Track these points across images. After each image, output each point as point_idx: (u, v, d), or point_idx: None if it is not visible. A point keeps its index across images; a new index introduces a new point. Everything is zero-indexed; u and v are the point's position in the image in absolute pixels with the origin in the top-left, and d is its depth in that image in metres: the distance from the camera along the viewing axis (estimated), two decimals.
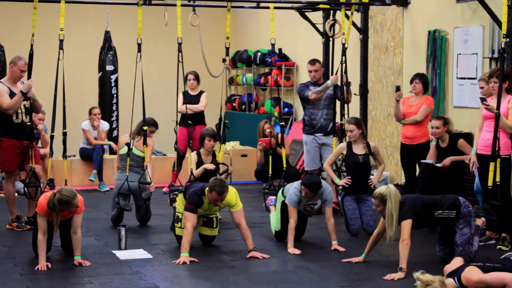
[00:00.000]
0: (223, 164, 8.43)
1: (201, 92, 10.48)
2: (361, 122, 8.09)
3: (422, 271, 5.17)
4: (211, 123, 10.59)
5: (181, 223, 7.03)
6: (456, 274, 5.24)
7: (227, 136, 13.04)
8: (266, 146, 9.93)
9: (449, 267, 5.44)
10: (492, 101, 7.16)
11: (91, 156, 10.84)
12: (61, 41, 7.82)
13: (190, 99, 10.11)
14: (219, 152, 8.54)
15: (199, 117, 10.27)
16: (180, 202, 7.11)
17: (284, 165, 8.90)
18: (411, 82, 8.60)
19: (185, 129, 9.63)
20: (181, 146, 9.69)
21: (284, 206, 7.30)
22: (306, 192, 7.05)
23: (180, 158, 9.91)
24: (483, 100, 7.16)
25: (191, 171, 8.06)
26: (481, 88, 7.51)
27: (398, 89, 8.42)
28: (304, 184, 7.04)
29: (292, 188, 7.14)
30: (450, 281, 5.19)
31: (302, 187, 7.05)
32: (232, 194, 6.80)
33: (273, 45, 8.58)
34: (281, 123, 9.05)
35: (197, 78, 10.47)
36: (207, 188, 6.70)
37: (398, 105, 8.49)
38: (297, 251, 6.90)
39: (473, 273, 5.15)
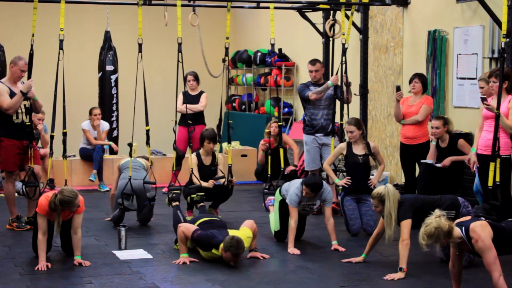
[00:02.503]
0: (222, 176, 8.34)
1: (201, 93, 10.48)
2: (361, 122, 8.08)
3: (443, 214, 5.11)
4: (212, 123, 10.60)
5: None
6: (464, 225, 5.10)
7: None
8: (271, 146, 9.90)
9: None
10: (492, 101, 7.16)
11: (91, 156, 10.84)
12: (61, 41, 7.81)
13: (190, 99, 10.11)
14: (227, 154, 8.45)
15: (198, 117, 10.27)
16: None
17: (282, 165, 8.90)
18: (410, 81, 8.62)
19: (185, 128, 9.66)
20: (180, 145, 9.71)
21: (282, 206, 7.30)
22: (307, 192, 7.05)
23: (180, 157, 9.93)
24: (483, 100, 7.17)
25: (192, 171, 8.07)
26: (481, 88, 7.52)
27: (398, 89, 8.43)
28: (306, 184, 7.04)
29: (293, 188, 7.13)
30: (456, 229, 5.09)
31: (304, 187, 7.04)
32: (246, 240, 6.50)
33: (273, 45, 8.57)
34: (279, 123, 9.05)
35: (196, 78, 10.47)
36: (221, 246, 6.37)
37: (398, 105, 8.50)
38: (297, 251, 6.89)
39: (485, 231, 5.01)
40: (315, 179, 7.15)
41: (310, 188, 7.02)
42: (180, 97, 9.57)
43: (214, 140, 8.31)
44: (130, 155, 8.10)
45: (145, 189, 8.00)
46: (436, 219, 5.08)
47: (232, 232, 6.49)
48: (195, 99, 10.34)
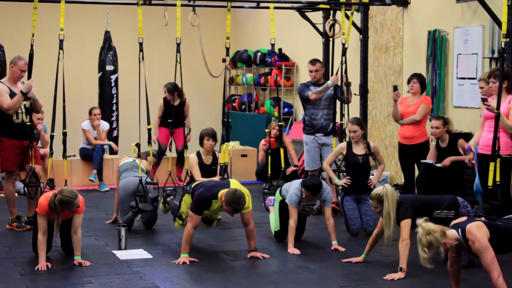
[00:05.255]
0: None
1: (183, 102, 10.50)
2: (363, 122, 8.10)
3: (426, 218, 5.10)
4: (212, 123, 10.60)
5: (182, 221, 7.04)
6: (460, 226, 5.08)
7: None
8: (272, 146, 9.88)
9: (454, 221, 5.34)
10: (492, 101, 7.17)
11: (91, 156, 10.84)
12: (61, 41, 7.81)
13: (174, 110, 9.86)
14: (225, 153, 8.41)
15: (181, 120, 10.20)
16: (185, 203, 7.00)
17: (283, 165, 8.90)
18: (408, 82, 8.63)
19: (167, 130, 10.13)
20: (163, 141, 10.43)
21: (282, 206, 7.30)
22: (306, 194, 7.05)
23: (161, 153, 10.54)
24: (484, 100, 7.17)
25: (190, 173, 8.09)
26: (481, 88, 7.53)
27: (395, 88, 8.44)
28: (305, 186, 7.04)
29: (293, 188, 7.13)
30: (452, 231, 5.08)
31: (303, 189, 7.04)
32: (246, 199, 6.60)
33: (273, 45, 8.57)
34: (279, 123, 9.05)
35: (170, 91, 10.47)
36: (221, 194, 6.49)
37: (396, 105, 8.50)
38: (297, 251, 6.90)
39: (481, 232, 4.99)
40: (314, 181, 7.14)
41: (309, 190, 7.02)
42: (161, 107, 10.41)
43: (214, 137, 8.29)
44: (139, 156, 8.05)
45: (148, 190, 7.95)
46: (422, 225, 5.06)
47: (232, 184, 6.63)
48: (179, 109, 10.34)
